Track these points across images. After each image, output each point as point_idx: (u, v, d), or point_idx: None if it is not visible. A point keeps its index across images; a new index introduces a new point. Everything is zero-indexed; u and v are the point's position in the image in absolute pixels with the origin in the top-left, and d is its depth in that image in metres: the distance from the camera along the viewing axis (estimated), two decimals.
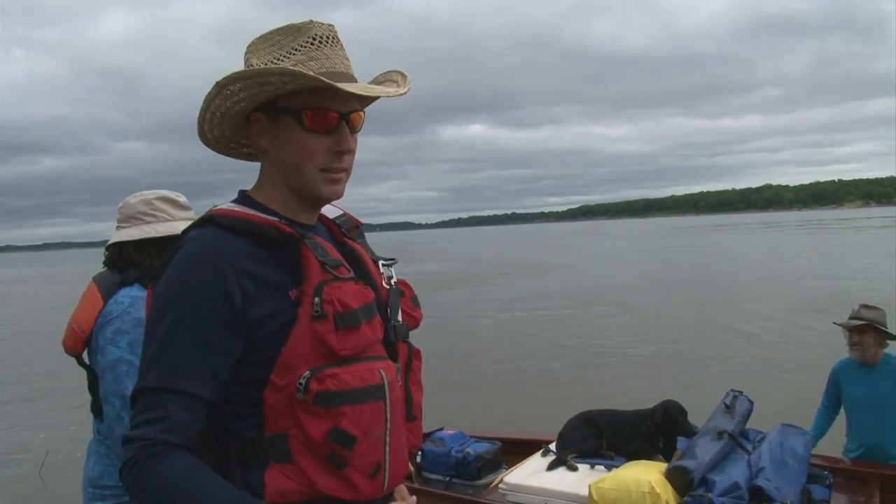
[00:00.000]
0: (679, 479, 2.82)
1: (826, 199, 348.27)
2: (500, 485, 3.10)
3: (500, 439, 3.71)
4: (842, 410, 3.84)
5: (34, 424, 8.72)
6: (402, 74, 1.32)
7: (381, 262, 1.37)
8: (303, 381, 1.12)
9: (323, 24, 1.24)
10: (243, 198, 1.27)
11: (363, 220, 1.44)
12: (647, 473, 2.83)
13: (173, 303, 1.13)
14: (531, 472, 3.19)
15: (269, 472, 1.14)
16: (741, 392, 3.56)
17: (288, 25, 1.23)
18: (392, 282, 1.34)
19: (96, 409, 2.38)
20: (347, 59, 1.26)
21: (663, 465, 2.96)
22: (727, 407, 3.40)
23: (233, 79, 1.18)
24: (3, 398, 10.20)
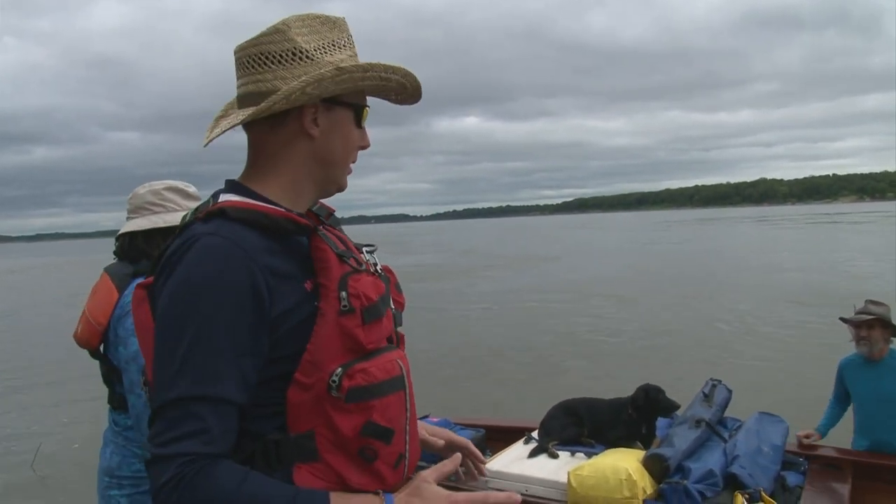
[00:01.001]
0: (656, 467, 2.89)
1: (820, 194, 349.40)
2: None
3: (484, 427, 3.76)
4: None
5: (26, 416, 8.69)
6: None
7: (364, 249, 1.32)
8: (336, 379, 1.09)
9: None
10: (240, 188, 1.22)
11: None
12: (624, 461, 2.89)
13: (198, 304, 1.05)
14: (513, 459, 3.25)
15: (298, 474, 1.09)
16: (720, 381, 3.63)
17: (323, 15, 1.24)
18: (377, 268, 1.30)
19: (114, 401, 2.39)
20: None
21: (641, 453, 3.02)
22: (705, 396, 3.47)
23: (365, 68, 1.20)
24: None
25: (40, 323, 17.38)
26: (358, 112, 1.25)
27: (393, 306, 1.31)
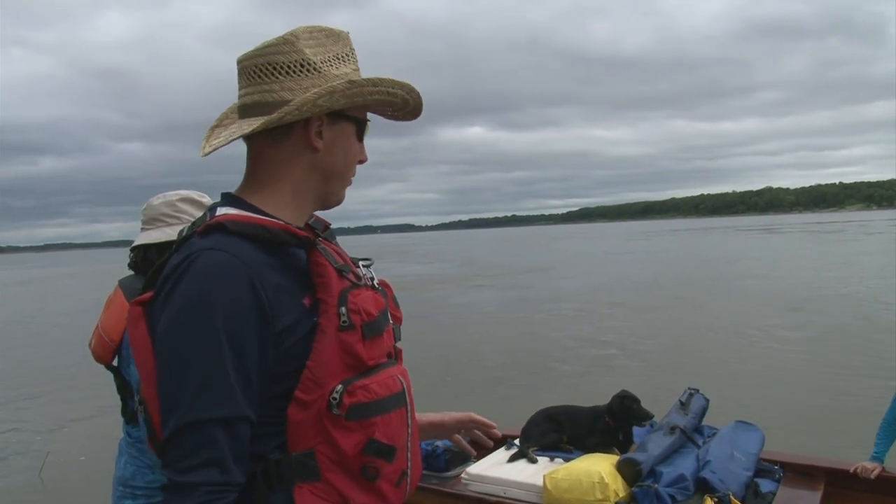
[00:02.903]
0: (628, 470, 2.99)
1: (827, 203, 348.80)
2: (462, 475, 3.27)
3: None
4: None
5: (33, 425, 8.74)
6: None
7: (360, 263, 1.30)
8: (336, 396, 1.08)
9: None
10: (238, 201, 1.20)
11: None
12: (598, 465, 3.00)
13: (204, 322, 1.02)
14: (493, 464, 3.36)
15: (298, 494, 1.08)
16: (697, 390, 3.73)
17: (328, 28, 1.24)
18: (374, 282, 1.27)
19: (127, 414, 2.41)
20: None
21: (615, 458, 3.13)
22: (682, 404, 3.57)
23: (375, 82, 1.21)
24: (1, 399, 10.26)
25: (53, 332, 17.51)
26: (360, 126, 1.26)
27: (391, 321, 1.29)
